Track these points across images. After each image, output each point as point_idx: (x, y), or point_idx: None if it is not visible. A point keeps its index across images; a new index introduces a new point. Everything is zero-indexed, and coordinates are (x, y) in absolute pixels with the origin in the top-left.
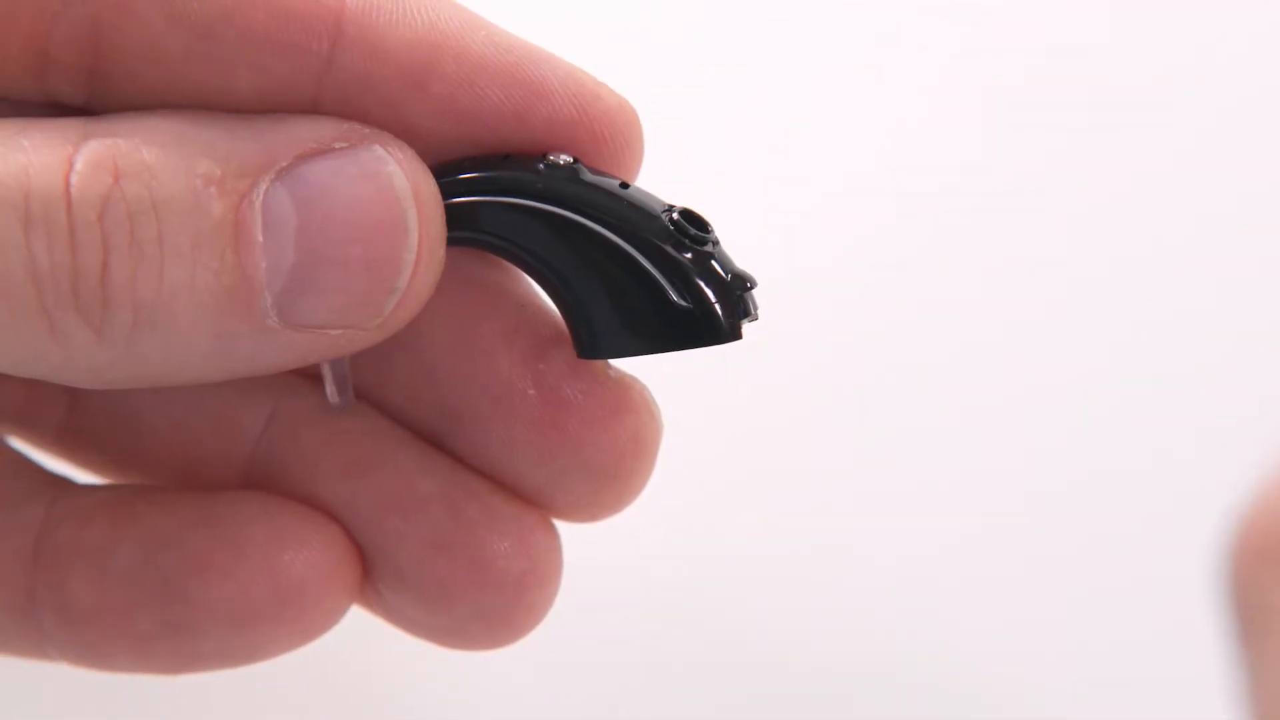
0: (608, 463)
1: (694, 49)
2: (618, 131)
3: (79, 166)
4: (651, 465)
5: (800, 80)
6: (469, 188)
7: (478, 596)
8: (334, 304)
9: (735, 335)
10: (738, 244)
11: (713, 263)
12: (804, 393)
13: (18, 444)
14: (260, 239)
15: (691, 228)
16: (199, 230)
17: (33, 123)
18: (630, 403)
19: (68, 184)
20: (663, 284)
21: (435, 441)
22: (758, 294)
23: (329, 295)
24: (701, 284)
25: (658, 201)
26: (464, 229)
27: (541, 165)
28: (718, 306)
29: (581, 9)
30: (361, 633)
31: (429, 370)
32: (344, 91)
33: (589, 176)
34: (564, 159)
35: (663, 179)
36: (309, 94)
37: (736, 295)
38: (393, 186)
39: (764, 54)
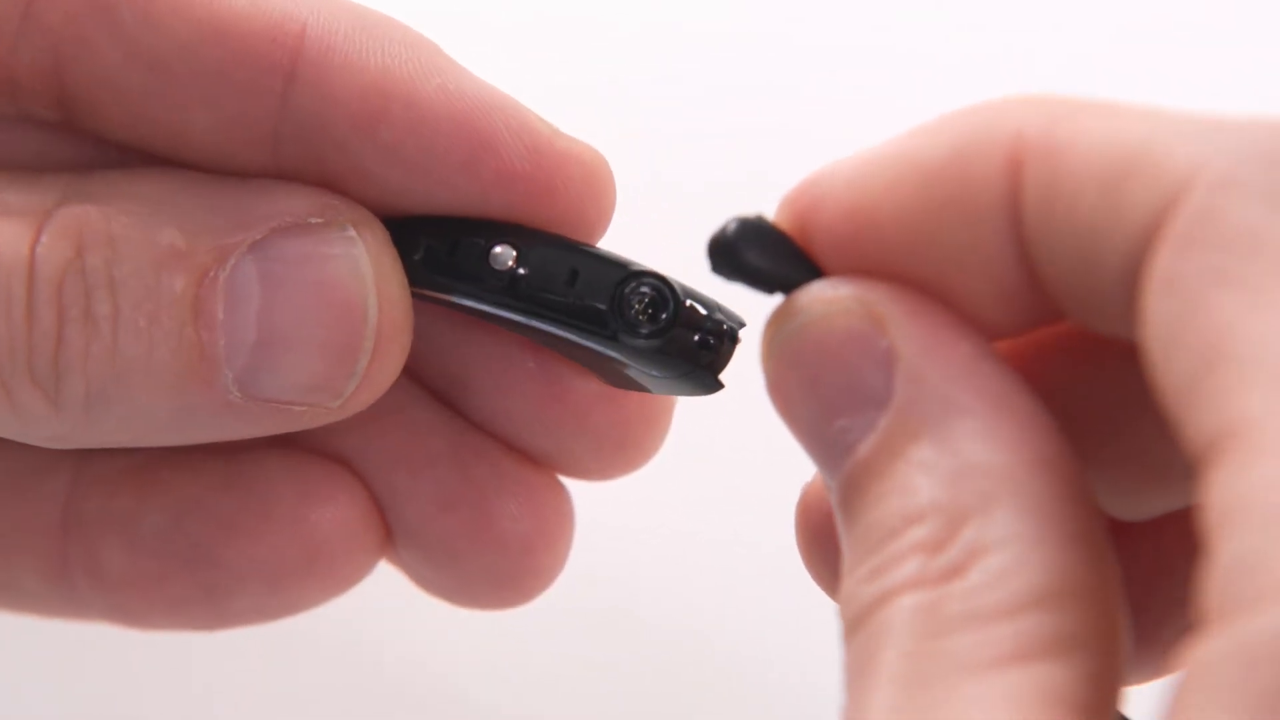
0: (615, 434)
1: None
2: (573, 186)
3: (45, 238)
4: (664, 432)
5: (807, 125)
6: (430, 277)
7: (484, 556)
8: (295, 383)
9: (714, 387)
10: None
11: (675, 333)
12: None
13: None
14: (221, 316)
15: (650, 305)
16: (156, 306)
17: (16, 180)
18: None
19: (32, 255)
20: (625, 364)
21: (448, 402)
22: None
23: (290, 374)
24: (663, 363)
25: (614, 271)
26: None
27: (483, 266)
28: (686, 376)
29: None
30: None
31: (436, 336)
32: (300, 131)
33: (529, 280)
34: (509, 259)
35: (666, 214)
36: (267, 132)
37: (707, 354)
38: (358, 271)
39: (775, 98)
